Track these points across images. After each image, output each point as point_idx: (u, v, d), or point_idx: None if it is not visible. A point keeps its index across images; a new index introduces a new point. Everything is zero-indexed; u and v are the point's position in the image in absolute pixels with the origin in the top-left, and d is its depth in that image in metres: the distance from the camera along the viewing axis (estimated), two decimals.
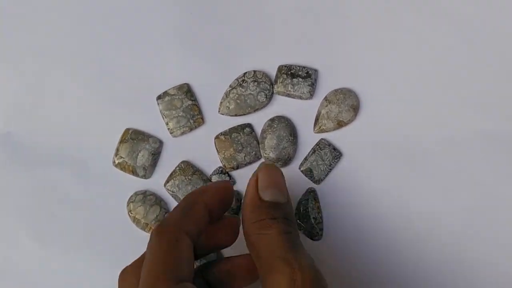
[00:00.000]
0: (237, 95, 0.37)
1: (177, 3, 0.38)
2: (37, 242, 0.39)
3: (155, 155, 0.38)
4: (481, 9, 0.36)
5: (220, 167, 0.38)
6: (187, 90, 0.38)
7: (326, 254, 0.36)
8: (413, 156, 0.36)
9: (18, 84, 0.39)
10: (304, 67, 0.37)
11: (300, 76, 0.37)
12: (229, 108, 0.37)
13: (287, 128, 0.37)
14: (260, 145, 0.37)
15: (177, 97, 0.38)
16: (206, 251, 0.31)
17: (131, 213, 0.38)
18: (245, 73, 0.37)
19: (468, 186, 0.36)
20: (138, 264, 0.30)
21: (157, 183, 0.38)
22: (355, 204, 0.37)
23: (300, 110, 0.37)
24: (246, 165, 0.37)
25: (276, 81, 0.37)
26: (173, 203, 0.38)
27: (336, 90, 0.37)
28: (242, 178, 0.38)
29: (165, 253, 0.28)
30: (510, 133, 0.36)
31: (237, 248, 0.36)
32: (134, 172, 0.38)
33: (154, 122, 0.38)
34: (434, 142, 0.36)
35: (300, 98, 0.37)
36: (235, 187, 0.38)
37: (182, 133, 0.38)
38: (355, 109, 0.36)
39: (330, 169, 0.37)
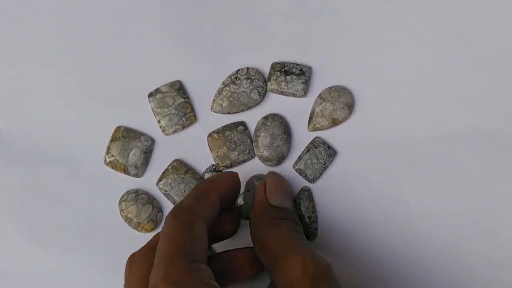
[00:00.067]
0: (230, 93, 0.37)
1: None
2: (27, 241, 0.38)
3: (147, 154, 0.37)
4: (480, 8, 0.36)
5: (212, 165, 0.37)
6: (179, 88, 0.37)
7: (321, 253, 0.36)
8: (409, 154, 0.36)
9: (7, 82, 0.38)
10: (298, 64, 0.36)
11: (294, 74, 0.36)
12: (222, 105, 0.37)
13: (281, 126, 0.36)
14: (253, 144, 0.37)
15: (169, 94, 0.37)
16: (209, 241, 0.31)
17: (123, 212, 0.37)
18: (238, 70, 0.37)
19: (464, 185, 0.36)
20: (145, 250, 0.32)
21: (149, 181, 0.38)
22: (350, 203, 0.36)
23: (294, 108, 0.37)
24: (239, 163, 0.37)
25: (269, 79, 0.36)
26: (165, 202, 0.38)
27: (330, 88, 0.36)
28: None
29: (180, 235, 0.29)
30: (508, 133, 0.36)
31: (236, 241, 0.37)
32: (125, 171, 0.37)
33: (146, 120, 0.38)
34: (430, 140, 0.36)
35: (294, 95, 0.36)
36: None
37: (175, 131, 0.37)
38: (350, 107, 0.36)
39: (325, 168, 0.36)
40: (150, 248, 0.31)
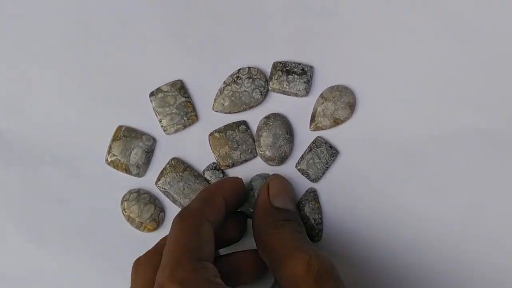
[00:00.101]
0: (231, 92, 0.37)
1: None
2: (28, 241, 0.38)
3: (149, 153, 0.37)
4: (480, 8, 0.36)
5: (213, 163, 0.37)
6: (180, 87, 0.37)
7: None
8: (411, 154, 0.36)
9: (8, 82, 0.38)
10: (299, 64, 0.36)
11: (295, 73, 0.36)
12: (223, 105, 0.37)
13: (283, 125, 0.36)
14: (256, 143, 0.37)
15: (170, 94, 0.37)
16: (216, 246, 0.32)
17: (125, 211, 0.37)
18: (239, 70, 0.37)
19: (466, 184, 0.36)
20: (151, 254, 0.32)
21: (151, 181, 0.38)
22: (353, 202, 0.37)
23: (295, 107, 0.37)
24: (241, 163, 0.37)
25: (271, 78, 0.36)
26: (167, 202, 0.38)
27: (332, 87, 0.36)
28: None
29: (187, 238, 0.29)
30: (509, 133, 0.36)
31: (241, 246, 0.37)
32: (127, 170, 0.37)
33: (147, 120, 0.38)
34: (431, 139, 0.36)
35: (296, 95, 0.36)
36: None
37: (176, 131, 0.37)
38: (351, 106, 0.36)
39: (327, 168, 0.36)
40: (156, 251, 0.32)
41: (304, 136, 0.37)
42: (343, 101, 0.36)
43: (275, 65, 0.36)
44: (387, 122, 0.36)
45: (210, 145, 0.37)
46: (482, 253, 0.36)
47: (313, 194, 0.36)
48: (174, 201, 0.37)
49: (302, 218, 0.36)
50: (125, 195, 0.38)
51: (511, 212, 0.36)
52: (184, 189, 0.37)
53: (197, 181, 0.37)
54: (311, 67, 0.36)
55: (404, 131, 0.36)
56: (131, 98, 0.38)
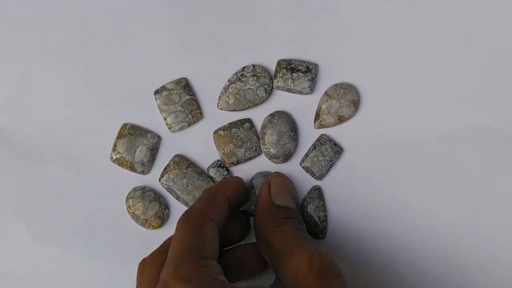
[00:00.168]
0: (236, 90, 0.37)
1: None
2: (34, 239, 0.38)
3: (153, 151, 0.38)
4: (482, 7, 0.36)
5: (218, 160, 0.37)
6: (185, 85, 0.37)
7: (330, 251, 0.36)
8: (414, 152, 0.36)
9: (14, 80, 0.38)
10: (304, 62, 0.36)
11: (300, 71, 0.36)
12: (228, 103, 0.37)
13: (287, 123, 0.36)
14: (260, 141, 0.37)
15: (175, 91, 0.37)
16: (220, 245, 0.32)
17: (130, 209, 0.37)
18: (244, 68, 0.37)
19: (469, 183, 0.36)
20: (156, 254, 0.32)
21: (155, 178, 0.38)
22: (357, 200, 0.37)
23: (300, 105, 0.37)
24: (246, 160, 0.37)
25: (275, 76, 0.36)
26: (170, 198, 0.38)
27: (336, 85, 0.36)
28: (241, 174, 0.37)
29: (191, 236, 0.30)
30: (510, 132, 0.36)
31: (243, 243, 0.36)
32: (132, 168, 0.37)
33: (152, 117, 0.38)
34: (435, 137, 0.36)
35: (300, 93, 0.36)
36: None
37: (181, 128, 0.37)
38: (356, 104, 0.36)
39: (331, 165, 0.36)
40: (161, 252, 0.32)
41: (309, 134, 0.37)
42: (348, 98, 0.36)
43: (279, 63, 0.36)
44: (391, 120, 0.36)
45: (215, 143, 0.37)
46: (483, 250, 0.36)
47: (317, 192, 0.36)
48: (177, 197, 0.37)
49: (306, 216, 0.36)
50: (130, 192, 0.38)
51: None
52: (187, 185, 0.37)
53: (200, 178, 0.37)
54: (316, 65, 0.36)
55: (407, 129, 0.36)
56: (136, 96, 0.38)
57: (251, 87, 0.37)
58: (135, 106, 0.38)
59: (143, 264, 0.32)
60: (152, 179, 0.38)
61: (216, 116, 0.37)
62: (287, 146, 0.36)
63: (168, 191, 0.38)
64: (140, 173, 0.38)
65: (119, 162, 0.37)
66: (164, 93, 0.37)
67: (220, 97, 0.37)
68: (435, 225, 0.36)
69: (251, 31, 0.37)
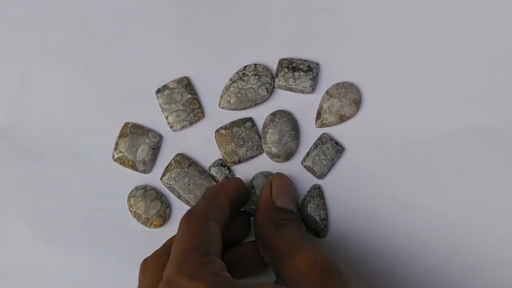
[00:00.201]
0: (237, 89, 0.37)
1: None
2: (35, 238, 0.39)
3: (155, 150, 0.38)
4: (482, 7, 0.36)
5: (220, 159, 0.37)
6: (187, 84, 0.37)
7: (331, 250, 0.36)
8: (416, 151, 0.36)
9: (14, 78, 0.38)
10: (305, 61, 0.36)
11: (301, 70, 0.36)
12: (229, 102, 0.37)
13: (289, 122, 0.36)
14: (261, 140, 0.37)
15: (176, 90, 0.37)
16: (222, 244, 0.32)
17: (132, 208, 0.38)
18: (245, 67, 0.37)
19: (471, 182, 0.36)
20: (158, 254, 0.32)
21: (157, 177, 0.38)
22: (359, 199, 0.37)
23: (301, 104, 0.37)
24: (247, 159, 0.37)
25: (277, 75, 0.37)
26: (172, 197, 0.38)
27: (337, 84, 0.36)
28: (242, 173, 0.38)
29: (194, 234, 0.30)
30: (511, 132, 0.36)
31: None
32: (134, 167, 0.38)
33: (154, 116, 0.38)
34: (436, 136, 0.36)
35: (302, 92, 0.37)
36: None
37: (182, 127, 0.37)
38: (357, 103, 0.36)
39: (333, 164, 0.36)
40: (163, 251, 0.32)
41: (310, 133, 0.37)
42: (349, 98, 0.36)
43: (281, 62, 0.37)
44: (392, 119, 0.36)
45: (216, 142, 0.37)
46: (483, 250, 0.36)
47: (317, 191, 0.37)
48: (179, 196, 0.38)
49: (307, 215, 0.36)
50: (131, 191, 0.38)
51: None
52: (189, 184, 0.37)
53: (202, 177, 0.37)
54: (317, 64, 0.37)
55: (408, 128, 0.36)
56: (138, 95, 0.38)
57: (253, 86, 0.37)
58: (137, 105, 0.38)
59: (145, 264, 0.32)
60: (154, 178, 0.38)
61: (218, 115, 0.37)
62: (289, 145, 0.36)
63: (169, 190, 0.38)
64: (141, 172, 0.38)
65: (121, 161, 0.38)
66: (166, 92, 0.37)
67: (221, 96, 0.37)
68: (436, 224, 0.36)
69: (253, 30, 0.37)
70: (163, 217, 0.38)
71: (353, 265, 0.37)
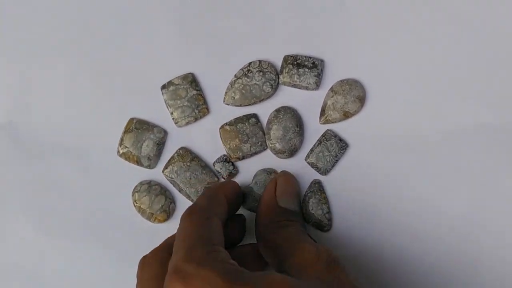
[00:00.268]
0: (242, 85, 0.37)
1: None
2: (40, 233, 0.39)
3: (160, 145, 0.38)
4: (484, 4, 0.36)
5: (224, 155, 0.38)
6: (192, 80, 0.37)
7: (336, 245, 0.37)
8: (420, 147, 0.36)
9: (20, 74, 0.39)
10: (310, 58, 0.36)
11: (306, 67, 0.36)
12: (234, 98, 0.37)
13: (293, 118, 0.36)
14: (266, 136, 0.37)
15: (181, 86, 0.37)
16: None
17: (136, 203, 0.38)
18: (250, 63, 0.37)
19: (474, 178, 0.36)
20: (157, 251, 0.32)
21: (162, 174, 0.38)
22: (362, 195, 0.37)
23: (306, 100, 0.37)
24: (251, 155, 0.37)
25: (281, 71, 0.37)
26: (176, 192, 0.38)
27: (342, 81, 0.36)
28: (247, 169, 0.38)
29: (197, 227, 0.29)
30: None
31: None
32: (138, 162, 0.38)
33: (159, 112, 0.38)
34: (440, 132, 0.36)
35: (306, 88, 0.37)
36: (239, 177, 0.38)
37: (187, 123, 0.38)
38: (361, 100, 0.36)
39: (336, 160, 0.37)
40: (162, 249, 0.32)
41: (314, 129, 0.37)
42: (353, 94, 0.36)
43: (285, 59, 0.37)
44: (396, 116, 0.36)
45: (221, 138, 0.37)
46: (484, 245, 0.36)
47: (318, 185, 0.37)
48: (180, 190, 0.38)
49: (309, 210, 0.36)
50: (136, 186, 0.38)
51: None
52: (190, 179, 0.37)
53: (204, 172, 0.38)
54: (322, 60, 0.37)
55: (412, 125, 0.36)
56: (143, 90, 0.38)
57: (257, 83, 0.37)
58: (142, 101, 0.38)
59: (144, 261, 0.32)
60: (158, 173, 0.38)
61: (222, 111, 0.38)
62: (293, 141, 0.36)
63: (171, 183, 0.38)
64: (146, 167, 0.38)
65: (126, 156, 0.38)
66: (171, 88, 0.37)
67: (226, 92, 0.37)
68: (439, 220, 0.36)
69: (258, 26, 0.37)
70: (167, 212, 0.38)
71: (357, 260, 0.37)
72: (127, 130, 0.38)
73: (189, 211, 0.31)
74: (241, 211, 0.37)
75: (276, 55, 0.37)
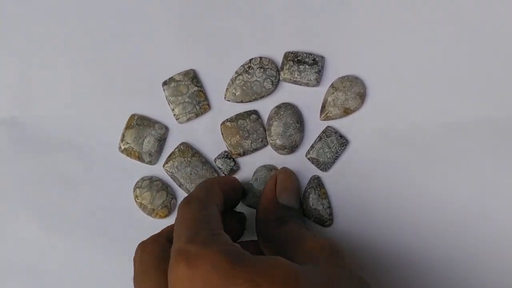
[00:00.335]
0: (243, 82, 0.37)
1: None
2: (42, 228, 0.39)
3: (161, 141, 0.38)
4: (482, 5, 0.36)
5: (225, 151, 0.38)
6: (193, 76, 0.38)
7: (338, 240, 0.37)
8: (420, 144, 0.36)
9: (24, 70, 0.39)
10: (310, 54, 0.37)
11: (306, 63, 0.36)
12: (235, 94, 0.37)
13: (293, 115, 0.36)
14: (266, 132, 0.37)
15: (183, 83, 0.38)
16: None
17: (138, 198, 0.38)
18: (251, 60, 0.37)
19: (474, 175, 0.36)
20: (155, 236, 0.32)
21: (163, 169, 0.38)
22: (363, 192, 0.37)
23: (306, 97, 0.37)
24: (252, 151, 0.38)
25: (282, 68, 0.37)
26: (177, 188, 0.38)
27: (342, 77, 0.37)
28: (247, 165, 0.38)
29: (197, 213, 0.29)
30: None
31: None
32: (140, 158, 0.38)
33: (160, 108, 0.38)
34: (441, 129, 0.36)
35: (307, 85, 0.37)
36: (240, 173, 0.38)
37: (188, 119, 0.38)
38: (362, 96, 0.36)
39: (337, 157, 0.37)
40: (161, 234, 0.32)
41: (315, 126, 0.37)
42: (354, 91, 0.36)
43: (286, 55, 0.37)
44: (397, 112, 0.37)
45: (222, 134, 0.38)
46: (487, 240, 0.36)
47: (317, 181, 0.37)
48: (180, 185, 0.38)
49: (310, 206, 0.37)
50: (137, 182, 0.38)
51: None
52: (191, 174, 0.38)
53: (204, 168, 0.38)
54: (322, 57, 0.37)
55: (414, 121, 0.36)
56: (144, 87, 0.38)
57: (258, 79, 0.37)
58: (143, 97, 0.38)
59: (143, 245, 0.32)
60: (160, 169, 0.38)
61: (223, 108, 0.38)
62: (293, 137, 0.37)
63: (171, 178, 0.38)
64: (147, 163, 0.38)
65: (127, 152, 0.38)
66: (172, 84, 0.38)
67: (227, 88, 0.37)
68: (440, 215, 0.36)
69: (259, 23, 0.37)
70: (168, 208, 0.38)
71: (358, 255, 0.37)
72: (128, 126, 0.38)
73: (186, 201, 0.31)
74: (241, 207, 0.38)
75: (277, 51, 0.37)
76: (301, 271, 0.26)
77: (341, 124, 0.37)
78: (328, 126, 0.37)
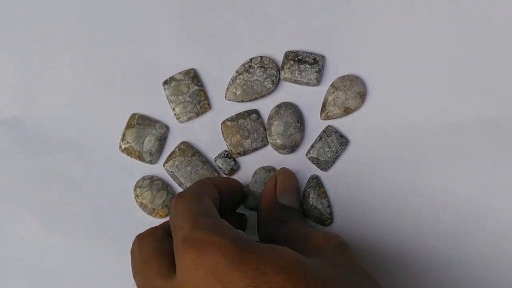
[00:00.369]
0: (243, 81, 0.37)
1: None
2: (42, 228, 0.39)
3: (162, 141, 0.38)
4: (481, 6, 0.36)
5: (225, 151, 0.38)
6: (193, 76, 0.38)
7: None
8: (421, 143, 0.36)
9: (25, 69, 0.39)
10: (311, 53, 0.37)
11: (307, 63, 0.36)
12: (235, 94, 0.37)
13: (294, 114, 0.37)
14: (267, 132, 0.37)
15: (183, 82, 0.38)
16: None
17: (138, 198, 0.38)
18: (251, 59, 0.37)
19: (475, 173, 0.36)
20: (152, 229, 0.31)
21: (163, 168, 0.38)
22: (363, 191, 0.37)
23: (307, 96, 0.37)
24: (252, 151, 0.38)
25: (283, 67, 0.37)
26: (174, 186, 0.38)
27: (343, 77, 0.37)
28: (248, 165, 0.38)
29: (193, 205, 0.29)
30: None
31: None
32: (140, 157, 0.38)
33: (161, 108, 0.38)
34: (441, 129, 0.36)
35: (307, 84, 0.37)
36: (240, 173, 0.38)
37: (189, 119, 0.38)
38: (362, 96, 0.36)
39: (337, 156, 0.37)
40: (157, 228, 0.31)
41: (315, 125, 0.37)
42: (354, 90, 0.36)
43: (287, 55, 0.37)
44: (398, 112, 0.37)
45: (222, 133, 0.38)
46: (487, 239, 0.36)
47: (316, 180, 0.37)
48: (180, 184, 0.38)
49: (309, 205, 0.37)
50: (138, 181, 0.38)
51: None
52: (191, 173, 0.38)
53: (204, 167, 0.38)
54: (323, 56, 0.37)
55: (414, 121, 0.36)
56: (145, 86, 0.38)
57: (259, 79, 0.37)
58: (144, 97, 0.38)
59: (141, 237, 0.31)
60: (160, 168, 0.38)
61: (224, 107, 0.38)
62: (293, 137, 0.37)
63: (171, 177, 0.38)
64: (148, 162, 0.38)
65: (128, 151, 0.38)
66: (173, 83, 0.38)
67: (228, 88, 0.37)
68: (440, 214, 0.36)
69: (259, 22, 0.37)
70: (169, 208, 0.38)
71: (358, 255, 0.36)
72: (129, 126, 0.38)
73: (179, 195, 0.30)
74: (242, 210, 0.38)
75: (277, 51, 0.37)
76: (308, 263, 0.26)
77: (342, 124, 0.37)
78: (329, 126, 0.37)
